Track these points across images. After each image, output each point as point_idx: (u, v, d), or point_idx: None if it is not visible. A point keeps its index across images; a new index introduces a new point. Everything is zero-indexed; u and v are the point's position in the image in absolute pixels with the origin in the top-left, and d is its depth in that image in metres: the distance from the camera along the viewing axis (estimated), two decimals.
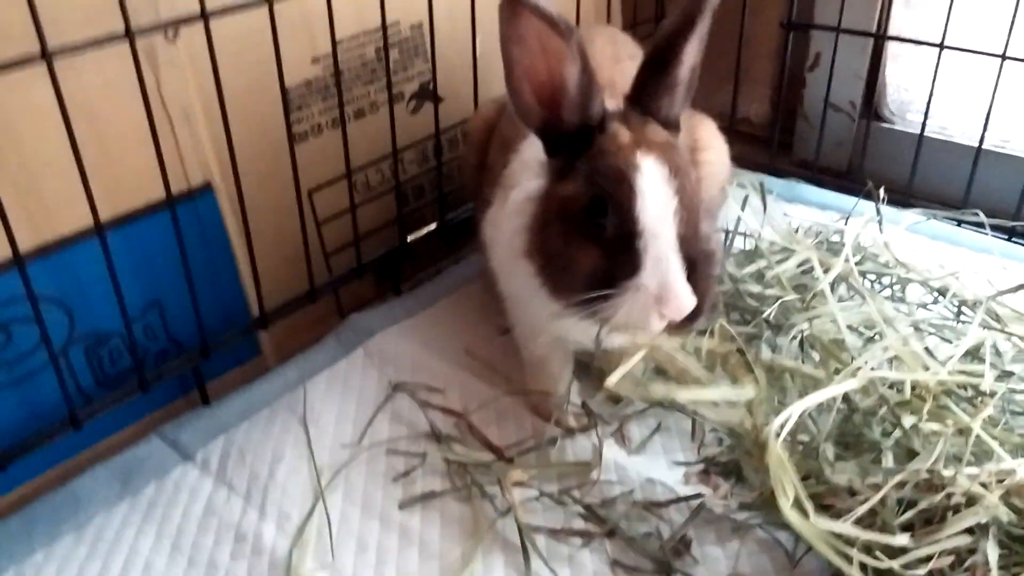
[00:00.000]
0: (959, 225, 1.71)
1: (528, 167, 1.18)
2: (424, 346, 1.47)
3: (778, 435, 0.97)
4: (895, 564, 0.89)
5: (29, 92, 1.09)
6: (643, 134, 1.07)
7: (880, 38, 1.87)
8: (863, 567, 0.91)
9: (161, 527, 1.15)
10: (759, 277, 1.41)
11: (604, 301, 1.01)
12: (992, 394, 1.08)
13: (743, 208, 1.52)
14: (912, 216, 1.65)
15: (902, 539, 0.91)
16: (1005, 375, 1.18)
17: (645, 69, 1.10)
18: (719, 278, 1.16)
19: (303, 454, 1.25)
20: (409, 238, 1.66)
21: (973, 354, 1.21)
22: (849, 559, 0.90)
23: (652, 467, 1.21)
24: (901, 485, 0.95)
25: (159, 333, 1.35)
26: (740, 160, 1.67)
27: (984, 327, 1.28)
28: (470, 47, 1.64)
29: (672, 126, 1.13)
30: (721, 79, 1.96)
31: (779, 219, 1.61)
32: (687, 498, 1.13)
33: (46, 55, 1.03)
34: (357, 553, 1.11)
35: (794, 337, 1.24)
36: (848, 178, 2.02)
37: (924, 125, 1.79)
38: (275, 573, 1.08)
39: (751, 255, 1.47)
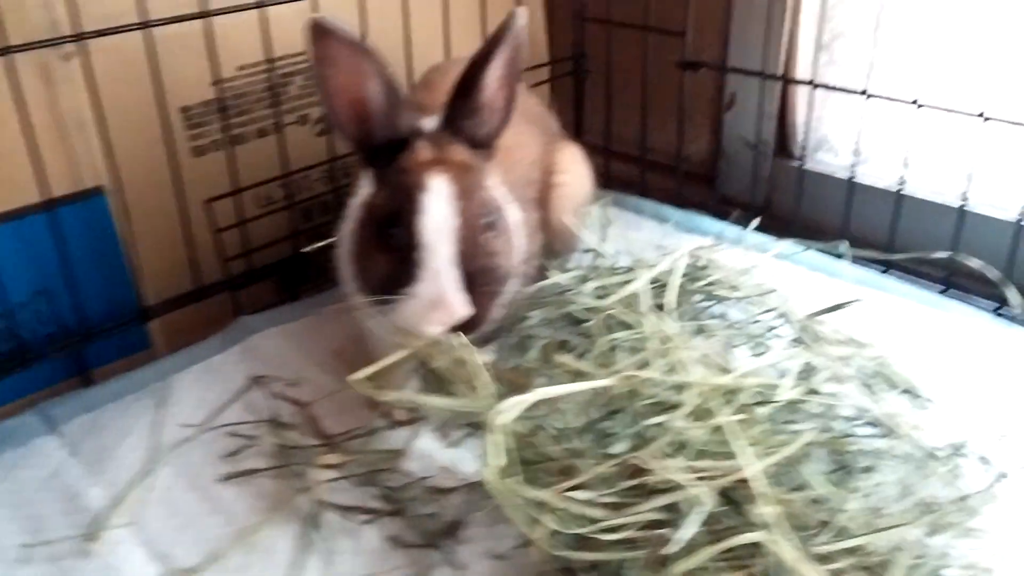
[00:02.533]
0: (839, 258, 1.76)
1: (366, 177, 1.30)
2: (297, 347, 1.59)
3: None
4: (584, 531, 0.96)
5: None
6: (443, 154, 1.18)
7: (783, 80, 1.94)
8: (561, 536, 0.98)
9: (8, 488, 1.28)
10: (600, 293, 1.48)
11: (391, 304, 1.13)
12: (755, 397, 1.14)
13: (597, 229, 1.60)
14: (784, 245, 1.72)
15: (590, 508, 0.98)
16: (809, 391, 1.24)
17: (454, 93, 1.21)
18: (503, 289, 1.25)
19: (146, 433, 1.37)
20: (307, 249, 1.78)
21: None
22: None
23: (458, 459, 1.29)
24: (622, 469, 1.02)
25: (47, 319, 1.50)
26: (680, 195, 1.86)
27: (796, 344, 1.34)
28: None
29: (481, 145, 1.24)
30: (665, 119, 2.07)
31: (642, 244, 1.67)
32: (471, 484, 1.21)
33: None
34: (166, 517, 1.21)
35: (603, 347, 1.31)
36: (766, 213, 2.09)
37: (854, 166, 1.84)
38: (88, 527, 1.19)
39: (595, 272, 1.55)
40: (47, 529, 1.20)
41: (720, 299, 1.49)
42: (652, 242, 1.78)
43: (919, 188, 1.80)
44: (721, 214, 1.96)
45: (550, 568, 1.04)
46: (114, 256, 1.55)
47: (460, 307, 1.11)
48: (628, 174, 2.19)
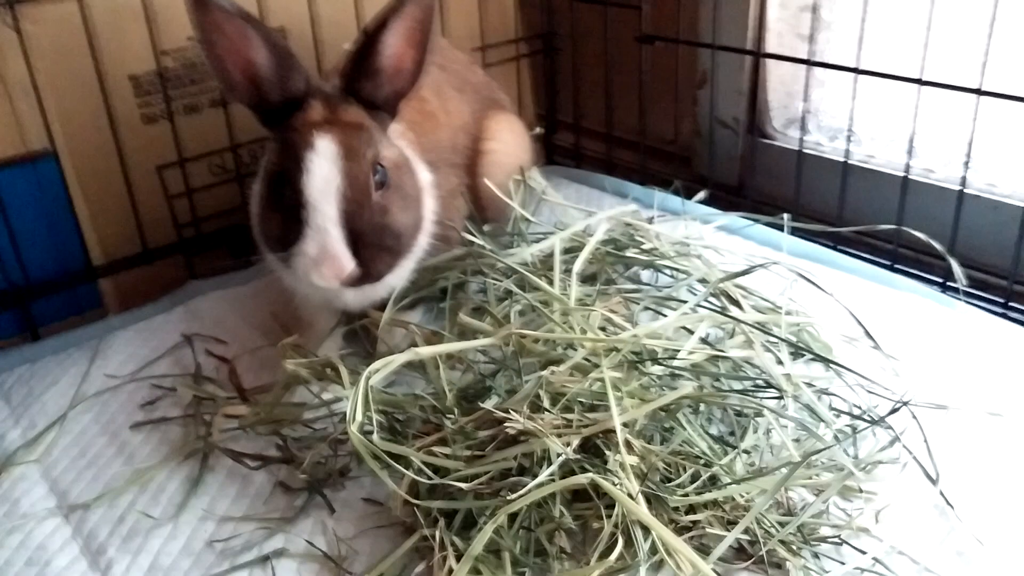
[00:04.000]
0: (792, 234, 1.72)
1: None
2: (238, 310, 1.63)
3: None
4: (437, 481, 0.98)
5: None
6: (335, 114, 1.21)
7: (753, 55, 1.91)
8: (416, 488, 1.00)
9: None
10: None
11: (285, 258, 1.18)
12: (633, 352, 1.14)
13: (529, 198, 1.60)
14: (729, 218, 1.70)
15: (446, 460, 0.99)
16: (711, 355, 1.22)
17: (353, 57, 1.24)
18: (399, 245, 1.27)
19: (74, 382, 1.42)
20: None
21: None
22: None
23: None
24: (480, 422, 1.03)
25: None
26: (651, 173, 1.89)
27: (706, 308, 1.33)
28: (327, 53, 1.81)
29: (379, 107, 1.26)
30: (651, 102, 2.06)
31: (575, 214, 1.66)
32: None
33: None
34: (74, 458, 1.26)
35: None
36: (737, 192, 2.07)
37: (802, 140, 1.82)
38: (1, 459, 1.26)
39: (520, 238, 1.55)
40: None
41: (645, 265, 1.48)
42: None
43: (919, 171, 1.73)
44: (691, 193, 1.93)
45: (412, 515, 1.05)
46: (64, 217, 1.61)
47: (346, 263, 1.15)
48: (601, 151, 2.19)
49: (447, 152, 1.46)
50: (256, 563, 1.05)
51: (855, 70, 1.62)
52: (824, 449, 1.07)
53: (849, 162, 1.72)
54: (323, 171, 1.15)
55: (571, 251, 1.46)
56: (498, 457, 0.99)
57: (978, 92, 1.46)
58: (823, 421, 1.15)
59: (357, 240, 1.16)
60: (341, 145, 1.17)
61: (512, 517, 0.98)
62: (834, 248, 1.70)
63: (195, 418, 1.32)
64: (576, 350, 1.16)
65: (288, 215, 1.17)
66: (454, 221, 1.43)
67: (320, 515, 1.13)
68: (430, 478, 1.00)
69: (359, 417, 1.02)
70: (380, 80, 1.24)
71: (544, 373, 1.09)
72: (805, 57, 1.73)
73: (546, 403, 1.06)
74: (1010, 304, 1.51)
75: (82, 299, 1.67)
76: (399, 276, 1.32)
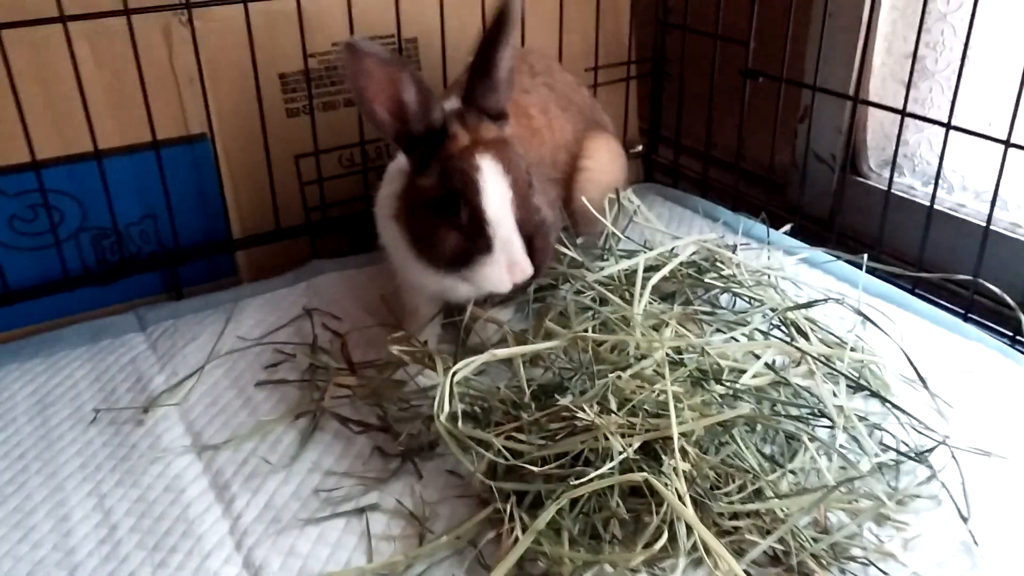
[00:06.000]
0: (873, 274, 1.80)
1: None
2: (353, 290, 1.83)
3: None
4: (511, 463, 1.14)
5: (75, 47, 1.58)
6: (478, 133, 1.35)
7: (851, 99, 1.98)
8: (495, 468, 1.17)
9: (96, 366, 1.59)
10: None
11: (468, 270, 1.33)
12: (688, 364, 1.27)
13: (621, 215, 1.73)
14: (812, 252, 1.80)
15: (520, 446, 1.15)
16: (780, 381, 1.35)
17: (472, 74, 1.39)
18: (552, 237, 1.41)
19: (211, 340, 1.64)
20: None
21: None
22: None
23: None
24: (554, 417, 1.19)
25: (152, 239, 1.80)
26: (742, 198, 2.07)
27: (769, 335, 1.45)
28: (454, 61, 1.99)
29: (499, 117, 1.41)
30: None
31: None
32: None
33: (63, 17, 1.52)
34: (207, 405, 1.48)
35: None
36: (826, 226, 2.15)
37: (891, 182, 1.87)
38: (147, 401, 1.48)
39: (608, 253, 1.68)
40: (116, 400, 1.49)
41: (722, 290, 1.60)
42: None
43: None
44: (781, 221, 2.02)
45: (488, 491, 1.20)
46: (213, 194, 1.83)
47: (528, 267, 1.31)
48: (699, 171, 2.31)
49: (548, 167, 1.61)
50: (353, 514, 1.23)
51: (946, 125, 1.69)
52: (858, 477, 1.18)
53: (935, 208, 1.78)
54: (498, 189, 1.30)
55: (655, 269, 1.60)
56: (565, 445, 1.14)
57: None
58: (865, 453, 1.26)
59: (529, 243, 1.32)
60: (500, 161, 1.31)
61: (574, 502, 1.13)
62: (911, 291, 1.78)
63: (310, 383, 1.51)
64: (647, 360, 1.30)
65: (468, 233, 1.31)
66: (555, 227, 1.57)
67: (409, 480, 1.30)
68: (506, 459, 1.16)
69: (447, 408, 1.19)
70: (499, 92, 1.39)
71: (611, 376, 1.23)
72: (903, 104, 1.80)
73: (613, 406, 1.21)
74: None
75: (220, 267, 1.89)
76: None
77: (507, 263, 1.30)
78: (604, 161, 1.74)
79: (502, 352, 1.30)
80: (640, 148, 2.39)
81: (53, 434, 1.41)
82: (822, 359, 1.41)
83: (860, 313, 1.53)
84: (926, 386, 1.43)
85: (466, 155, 1.32)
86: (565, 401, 1.23)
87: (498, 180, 1.30)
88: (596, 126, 1.80)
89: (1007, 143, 1.60)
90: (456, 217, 1.32)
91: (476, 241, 1.30)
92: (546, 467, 1.15)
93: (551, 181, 1.60)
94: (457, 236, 1.33)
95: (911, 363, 1.45)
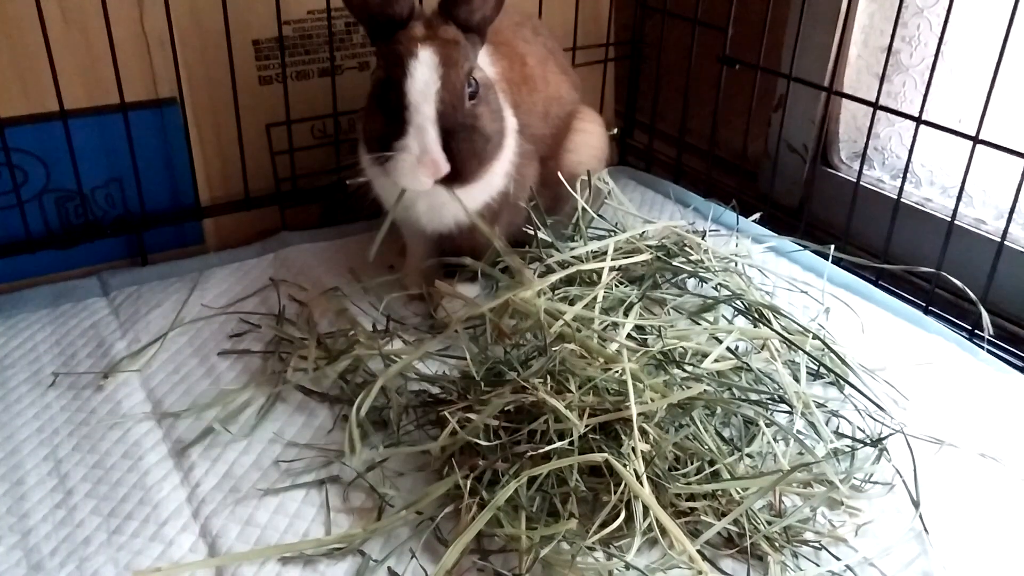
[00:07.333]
0: (838, 264, 1.82)
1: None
2: (321, 262, 1.81)
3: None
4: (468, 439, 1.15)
5: (44, 5, 1.54)
6: (435, 32, 1.39)
7: (826, 90, 1.99)
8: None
9: (56, 330, 1.57)
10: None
11: (387, 160, 1.36)
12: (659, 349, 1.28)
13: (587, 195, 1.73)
14: (778, 241, 1.82)
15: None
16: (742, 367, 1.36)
17: None
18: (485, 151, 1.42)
19: (176, 307, 1.63)
20: (349, 181, 1.99)
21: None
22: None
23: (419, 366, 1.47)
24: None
25: (118, 203, 1.77)
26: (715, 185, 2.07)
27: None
28: None
29: (472, 30, 1.43)
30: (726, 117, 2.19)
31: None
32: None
33: None
34: (169, 373, 1.46)
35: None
36: (796, 215, 2.16)
37: (860, 174, 1.89)
38: (107, 366, 1.46)
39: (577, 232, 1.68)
40: (76, 365, 1.47)
41: (690, 274, 1.61)
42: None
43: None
44: (753, 211, 2.03)
45: (447, 463, 1.21)
46: (181, 160, 1.80)
47: (440, 160, 1.33)
48: (672, 156, 2.31)
49: (537, 119, 1.61)
50: (313, 485, 1.23)
51: (916, 119, 1.71)
52: (814, 463, 1.20)
53: (902, 201, 1.80)
54: (424, 76, 1.33)
55: (625, 252, 1.60)
56: (517, 421, 1.15)
57: None
58: (821, 439, 1.28)
59: (450, 140, 1.34)
60: (440, 55, 1.34)
61: (532, 479, 1.14)
62: (875, 283, 1.80)
63: (274, 355, 1.50)
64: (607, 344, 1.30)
65: (391, 117, 1.35)
66: (526, 179, 1.58)
67: (372, 453, 1.30)
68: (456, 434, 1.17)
69: (358, 447, 1.23)
70: (473, 5, 1.41)
71: (560, 348, 1.24)
72: (876, 96, 1.82)
73: (572, 386, 1.21)
74: None
75: (187, 234, 1.87)
76: (476, 192, 1.47)
77: (418, 152, 1.32)
78: (597, 128, 1.77)
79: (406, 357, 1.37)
80: (615, 131, 2.38)
81: (10, 397, 1.39)
82: (784, 339, 1.43)
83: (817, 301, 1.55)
84: (865, 370, 1.45)
85: (410, 44, 1.35)
86: (512, 375, 1.24)
87: (429, 70, 1.33)
88: (581, 105, 1.81)
89: (975, 139, 1.61)
90: (388, 102, 1.35)
91: (395, 127, 1.33)
92: (499, 441, 1.16)
93: (535, 139, 1.61)
94: (382, 121, 1.37)
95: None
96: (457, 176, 1.36)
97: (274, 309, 1.64)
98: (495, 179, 1.49)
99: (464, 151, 1.36)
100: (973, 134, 1.62)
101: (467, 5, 1.41)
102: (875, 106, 1.80)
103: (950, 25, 1.65)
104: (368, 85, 1.51)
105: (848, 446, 1.29)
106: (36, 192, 1.68)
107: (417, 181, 1.35)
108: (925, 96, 1.70)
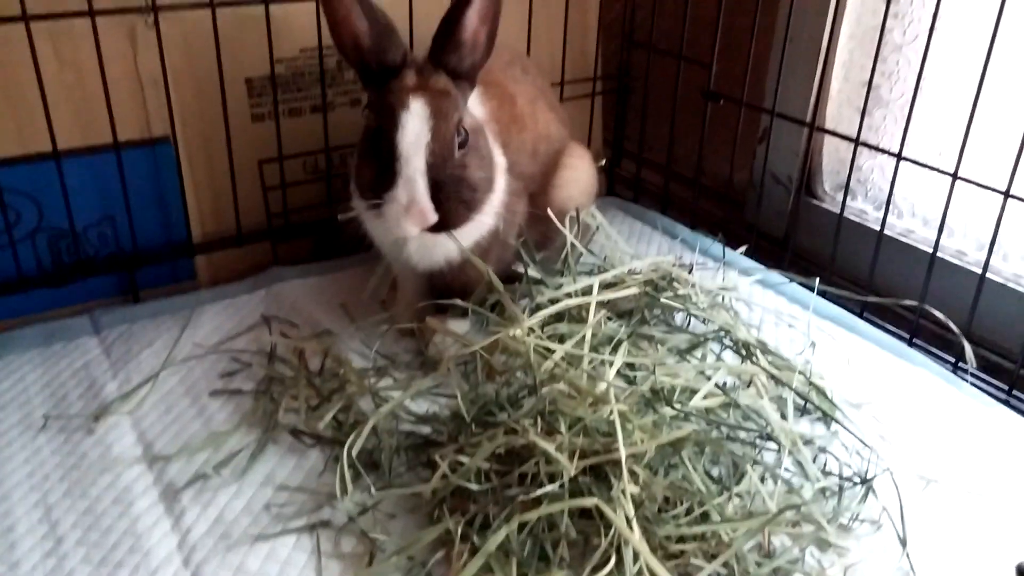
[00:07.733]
0: (824, 296, 1.84)
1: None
2: (314, 298, 1.82)
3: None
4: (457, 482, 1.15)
5: (37, 46, 1.55)
6: (426, 81, 1.41)
7: (808, 126, 2.03)
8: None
9: (47, 371, 1.57)
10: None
11: (377, 209, 1.39)
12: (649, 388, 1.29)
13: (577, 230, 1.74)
14: (766, 274, 1.84)
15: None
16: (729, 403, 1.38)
17: (439, 32, 1.43)
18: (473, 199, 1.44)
19: (167, 346, 1.63)
20: (341, 216, 2.00)
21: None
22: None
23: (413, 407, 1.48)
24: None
25: (110, 241, 1.78)
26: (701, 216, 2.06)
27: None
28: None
29: (462, 77, 1.45)
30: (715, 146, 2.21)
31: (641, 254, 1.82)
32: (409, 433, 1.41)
33: (25, 17, 1.50)
34: (160, 414, 1.47)
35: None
36: (782, 245, 2.19)
37: (843, 206, 1.91)
38: (99, 408, 1.47)
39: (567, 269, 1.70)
40: (67, 406, 1.47)
41: (678, 310, 1.63)
42: (652, 254, 1.92)
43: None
44: (739, 240, 2.05)
45: (438, 506, 1.22)
46: (174, 198, 1.81)
47: (428, 210, 1.36)
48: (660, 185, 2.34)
49: (526, 157, 1.63)
50: (304, 530, 1.24)
51: (896, 155, 1.74)
52: (803, 504, 1.21)
53: (885, 233, 1.83)
54: (415, 128, 1.36)
55: (614, 286, 1.62)
56: (507, 464, 1.16)
57: (1005, 195, 1.57)
58: (808, 479, 1.29)
59: (438, 191, 1.36)
60: (431, 107, 1.37)
61: (523, 523, 1.15)
62: (859, 315, 1.82)
63: (266, 394, 1.51)
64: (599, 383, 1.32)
65: (382, 166, 1.37)
66: (515, 216, 1.60)
67: (363, 496, 1.30)
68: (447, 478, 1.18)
69: (349, 490, 1.24)
70: (462, 53, 1.43)
71: (549, 388, 1.25)
72: (857, 131, 1.84)
73: (562, 427, 1.23)
74: (1013, 392, 1.62)
75: (179, 271, 1.88)
76: (466, 231, 1.48)
77: (407, 201, 1.35)
78: (585, 170, 1.79)
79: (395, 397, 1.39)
80: (603, 162, 2.40)
81: (1, 440, 1.39)
82: (771, 373, 1.45)
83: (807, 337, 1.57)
84: (846, 406, 1.47)
85: (402, 95, 1.38)
86: (503, 416, 1.25)
87: (419, 122, 1.36)
88: (573, 141, 1.84)
89: (954, 176, 1.64)
90: (379, 151, 1.38)
91: (385, 176, 1.36)
92: (489, 485, 1.17)
93: (523, 176, 1.62)
94: (374, 169, 1.39)
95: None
96: (445, 224, 1.39)
97: (266, 346, 1.65)
98: (485, 218, 1.51)
99: (452, 201, 1.38)
100: (952, 169, 1.65)
101: (456, 53, 1.43)
102: (856, 142, 1.82)
103: (929, 60, 1.68)
104: (359, 122, 1.54)
105: (836, 485, 1.30)
106: (29, 231, 1.69)
107: (405, 229, 1.38)
108: (905, 131, 1.73)
